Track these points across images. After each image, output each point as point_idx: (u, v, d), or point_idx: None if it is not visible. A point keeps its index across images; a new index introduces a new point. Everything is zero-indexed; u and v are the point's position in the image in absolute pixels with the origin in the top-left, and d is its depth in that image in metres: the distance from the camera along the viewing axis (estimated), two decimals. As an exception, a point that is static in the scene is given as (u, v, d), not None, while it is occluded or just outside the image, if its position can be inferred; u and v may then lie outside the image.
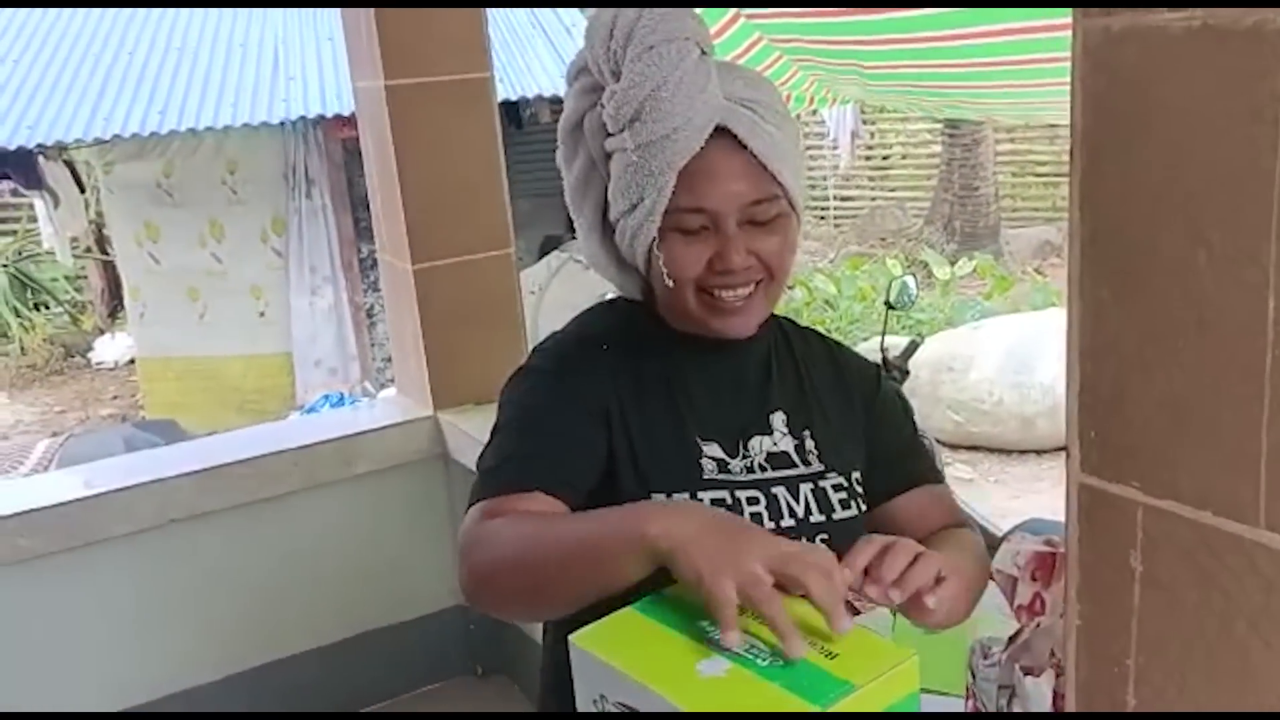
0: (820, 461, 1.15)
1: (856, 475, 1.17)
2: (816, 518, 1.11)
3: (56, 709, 2.07)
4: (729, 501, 1.08)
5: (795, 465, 1.14)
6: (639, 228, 1.08)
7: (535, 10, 7.64)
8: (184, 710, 2.18)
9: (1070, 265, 0.72)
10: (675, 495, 1.07)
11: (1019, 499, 5.00)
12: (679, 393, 1.14)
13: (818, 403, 1.19)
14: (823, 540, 1.08)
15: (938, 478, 1.27)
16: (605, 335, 1.18)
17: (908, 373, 2.79)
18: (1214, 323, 0.63)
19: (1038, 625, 1.30)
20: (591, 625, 0.83)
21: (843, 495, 1.14)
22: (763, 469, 1.13)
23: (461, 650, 2.43)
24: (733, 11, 2.35)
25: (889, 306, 2.69)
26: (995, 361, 5.56)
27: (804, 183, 1.15)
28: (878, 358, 2.72)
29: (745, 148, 1.05)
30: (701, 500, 1.08)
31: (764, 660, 0.77)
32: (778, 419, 1.16)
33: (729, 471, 1.11)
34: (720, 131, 1.04)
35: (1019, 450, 5.58)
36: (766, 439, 1.14)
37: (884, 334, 2.63)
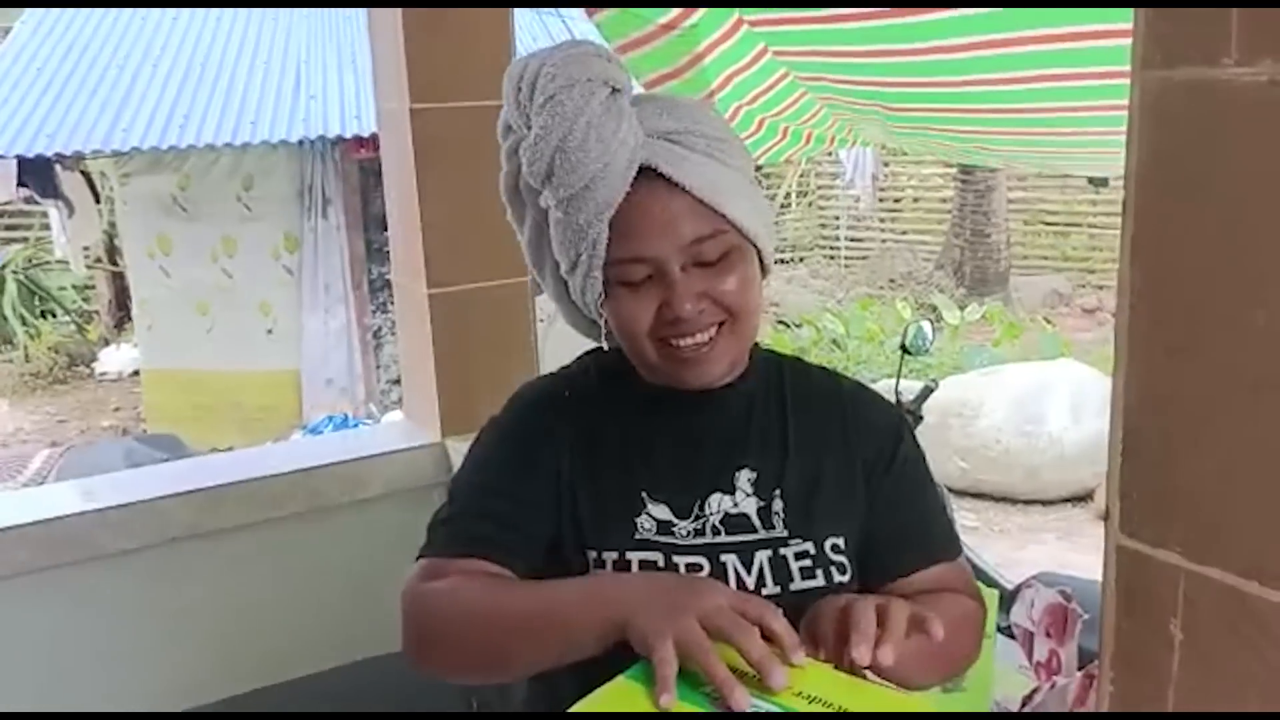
0: (785, 526, 1.05)
1: (835, 542, 1.05)
2: (769, 589, 1.02)
3: (44, 725, 2.04)
4: (661, 565, 1.01)
5: (754, 530, 1.04)
6: (583, 285, 1.01)
7: (556, 36, 7.69)
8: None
9: (1119, 320, 0.70)
10: (605, 554, 1.02)
11: (1023, 549, 4.97)
12: (636, 447, 1.07)
13: (803, 458, 1.08)
14: None
15: (955, 553, 1.14)
16: (574, 384, 1.13)
17: (921, 418, 2.76)
18: (1270, 386, 0.61)
19: (1052, 685, 1.27)
20: (589, 698, 0.80)
21: (805, 564, 1.04)
22: (715, 531, 1.04)
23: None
24: (760, 46, 2.36)
25: (904, 351, 2.67)
26: (1004, 409, 5.54)
27: (764, 211, 1.05)
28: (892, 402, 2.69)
29: (676, 184, 0.97)
30: (629, 561, 1.02)
31: None
32: (744, 477, 1.06)
33: (671, 534, 1.03)
34: (646, 171, 0.97)
35: (1024, 500, 5.54)
36: (727, 499, 1.05)
37: (898, 378, 2.61)
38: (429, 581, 1.01)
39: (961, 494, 5.45)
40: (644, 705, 0.78)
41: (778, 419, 1.10)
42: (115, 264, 9.49)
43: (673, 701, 0.77)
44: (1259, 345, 0.61)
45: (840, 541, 1.06)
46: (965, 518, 5.18)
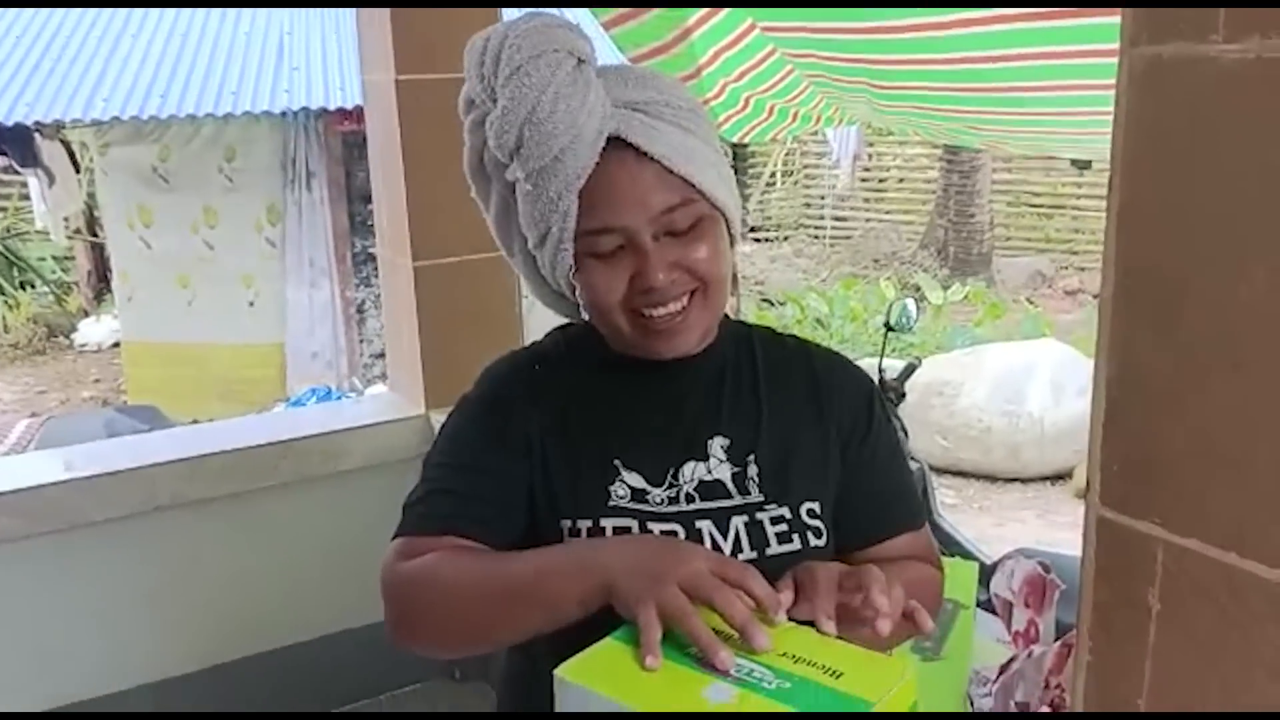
0: (761, 491, 1.05)
1: (810, 507, 1.06)
2: (746, 554, 1.03)
3: (26, 691, 2.04)
4: (635, 532, 1.02)
5: (729, 495, 1.05)
6: (553, 257, 1.01)
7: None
8: (156, 703, 2.15)
9: (1103, 292, 0.70)
10: (580, 523, 1.02)
11: (1003, 526, 5.01)
12: (608, 417, 1.08)
13: (776, 426, 1.09)
14: None
15: (920, 521, 1.16)
16: (543, 357, 1.13)
17: (904, 395, 2.78)
18: (1251, 360, 0.62)
19: (1029, 654, 1.29)
20: (576, 658, 0.81)
21: (782, 528, 1.04)
22: (689, 499, 1.04)
23: (440, 653, 2.40)
24: (748, 22, 2.35)
25: (888, 328, 2.68)
26: (985, 389, 5.58)
27: (730, 181, 1.05)
28: (875, 379, 2.70)
29: (645, 154, 0.97)
30: (604, 528, 1.02)
31: (769, 684, 0.75)
32: (716, 444, 1.06)
33: (645, 501, 1.04)
34: (615, 142, 0.97)
35: (1005, 478, 5.59)
36: (700, 466, 1.06)
37: (882, 355, 2.62)
38: (406, 560, 1.01)
39: (942, 471, 5.49)
40: (631, 665, 0.79)
41: (750, 387, 1.11)
42: (95, 235, 9.40)
43: (658, 663, 0.78)
44: (1241, 320, 0.62)
45: (815, 506, 1.07)
46: (946, 495, 5.22)
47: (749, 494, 1.06)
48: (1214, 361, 0.64)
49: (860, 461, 1.11)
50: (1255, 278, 0.61)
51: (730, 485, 1.06)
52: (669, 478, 1.05)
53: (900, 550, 1.11)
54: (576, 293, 1.04)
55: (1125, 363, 0.69)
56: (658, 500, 1.04)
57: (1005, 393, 5.55)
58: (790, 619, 0.85)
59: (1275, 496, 0.61)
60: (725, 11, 2.32)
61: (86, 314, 9.50)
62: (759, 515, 1.04)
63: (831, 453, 1.10)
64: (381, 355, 7.02)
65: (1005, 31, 1.84)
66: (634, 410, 1.08)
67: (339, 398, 5.79)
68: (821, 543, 1.06)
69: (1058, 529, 5.02)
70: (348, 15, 2.01)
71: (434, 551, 1.00)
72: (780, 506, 1.05)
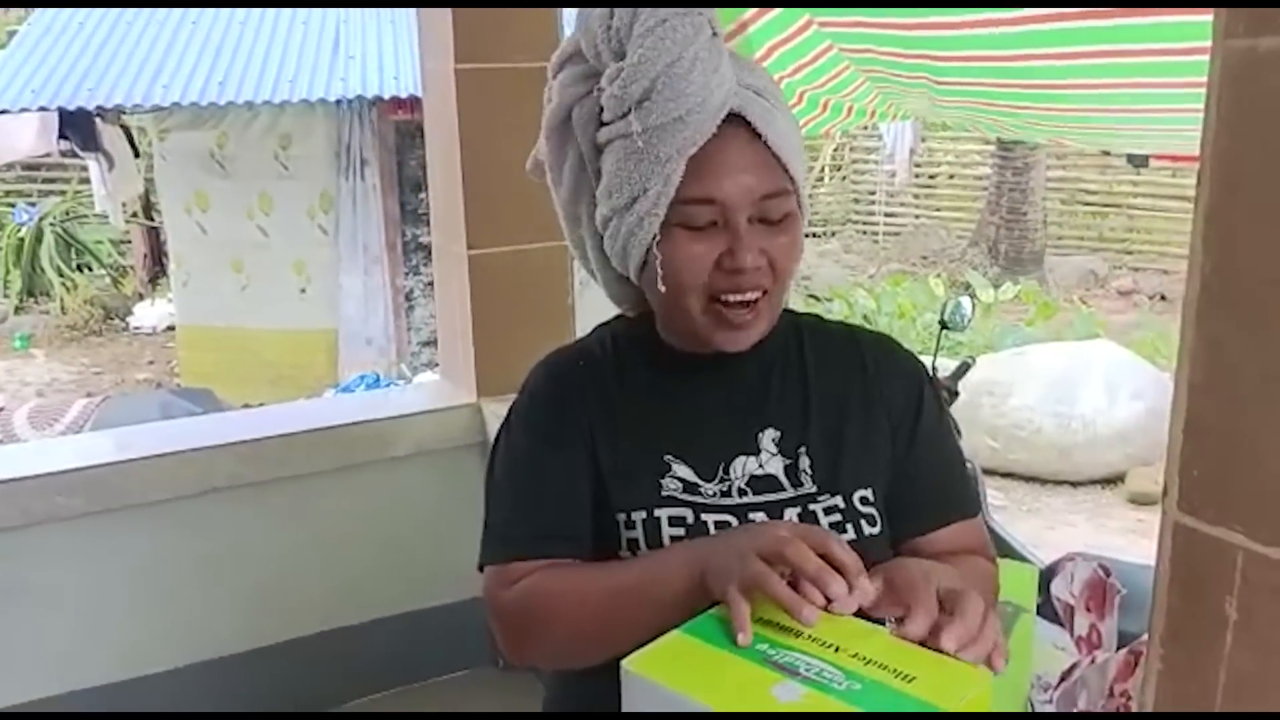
0: (814, 482, 1.05)
1: (863, 494, 1.06)
2: None
3: (78, 668, 2.08)
4: (689, 520, 1.02)
5: (782, 488, 1.05)
6: (638, 224, 0.99)
7: None
8: (205, 682, 2.18)
9: (1188, 294, 0.68)
10: (634, 514, 1.03)
11: (1053, 530, 4.94)
12: (658, 411, 1.07)
13: (826, 416, 1.08)
14: None
15: (974, 510, 1.15)
16: (590, 352, 1.12)
17: (958, 394, 2.74)
18: (1344, 366, 0.60)
19: (1093, 660, 1.27)
20: (644, 650, 0.80)
21: (836, 518, 1.04)
22: (742, 493, 1.04)
23: (484, 641, 2.42)
24: (805, 18, 2.32)
25: (943, 326, 2.64)
26: (1036, 389, 5.48)
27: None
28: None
29: (759, 137, 0.97)
30: (659, 518, 1.02)
31: (839, 684, 0.74)
32: (767, 438, 1.06)
33: (698, 494, 1.04)
34: (732, 118, 0.97)
35: (1054, 480, 5.50)
36: (751, 460, 1.06)
37: (936, 353, 2.58)
38: (508, 588, 1.03)
39: (991, 473, 5.42)
40: (700, 659, 0.79)
41: (798, 377, 1.10)
42: (151, 219, 9.57)
43: (749, 639, 0.79)
44: (1334, 324, 0.60)
45: (869, 494, 1.06)
46: (994, 497, 5.15)
47: (801, 485, 1.05)
48: (1304, 365, 0.62)
49: (912, 447, 1.10)
50: (1352, 279, 0.59)
51: (783, 478, 1.06)
52: (720, 472, 1.05)
53: (953, 540, 1.10)
54: (644, 272, 1.03)
55: (1211, 365, 0.68)
56: (710, 494, 1.04)
57: (1057, 393, 5.45)
58: (873, 617, 0.84)
59: (1364, 506, 0.59)
60: (783, 8, 2.30)
61: (141, 297, 9.67)
62: (812, 506, 1.04)
63: (882, 439, 1.09)
64: (429, 343, 7.07)
65: (1071, 29, 1.80)
66: (683, 405, 1.08)
67: (388, 384, 5.84)
68: (876, 530, 1.05)
69: (1109, 534, 4.93)
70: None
71: (531, 575, 1.02)
72: (833, 496, 1.05)
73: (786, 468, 1.05)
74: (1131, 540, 4.78)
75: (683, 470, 1.04)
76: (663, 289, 1.00)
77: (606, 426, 1.06)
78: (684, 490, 1.04)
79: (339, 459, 2.25)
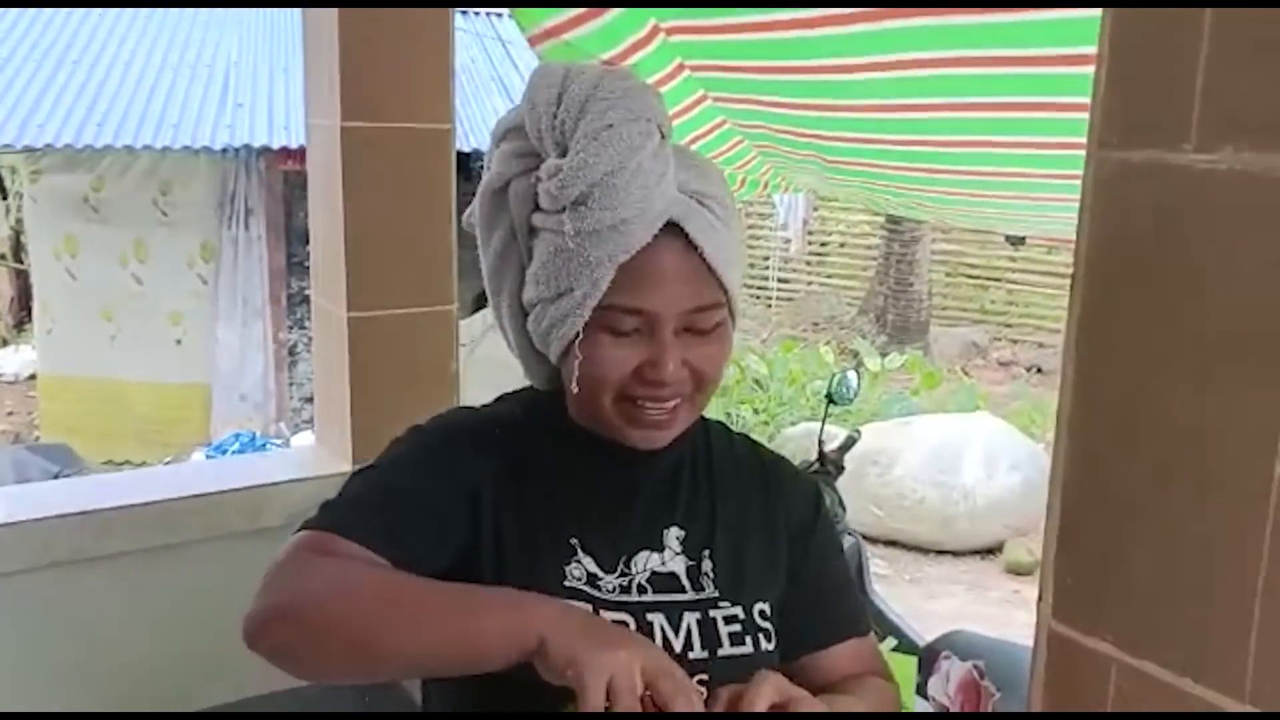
0: (715, 587, 1.02)
1: (762, 608, 1.03)
2: (697, 653, 0.98)
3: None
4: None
5: (683, 589, 1.01)
6: (562, 319, 0.95)
7: (496, 62, 7.66)
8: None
9: (1061, 400, 0.68)
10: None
11: (935, 600, 5.01)
12: (566, 495, 1.03)
13: (729, 523, 1.06)
14: (701, 681, 0.95)
15: (866, 629, 1.13)
16: (503, 421, 1.07)
17: (843, 468, 2.76)
18: (1215, 482, 0.60)
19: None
20: None
21: (735, 629, 1.01)
22: (641, 590, 1.00)
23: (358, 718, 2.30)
24: (700, 93, 2.35)
25: (829, 400, 2.67)
26: (920, 459, 5.61)
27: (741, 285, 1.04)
28: (813, 448, 2.69)
29: (695, 248, 0.94)
30: None
31: None
32: (672, 535, 1.03)
33: (597, 587, 0.99)
34: (670, 227, 0.93)
35: (936, 550, 5.61)
36: (655, 556, 1.02)
37: (823, 427, 2.60)
38: (310, 555, 0.91)
39: (874, 541, 5.49)
40: None
41: (705, 482, 1.09)
42: (20, 261, 9.14)
43: None
44: (1205, 439, 0.59)
45: (766, 608, 1.04)
46: (878, 565, 5.22)
47: (703, 590, 1.02)
48: (1175, 481, 0.61)
49: (805, 565, 1.09)
50: (1222, 393, 0.59)
51: (684, 579, 1.02)
52: (621, 565, 1.01)
53: (846, 657, 1.08)
54: (563, 360, 0.99)
55: (1083, 475, 0.67)
56: (609, 588, 0.99)
57: (940, 464, 5.59)
58: None
59: (1232, 623, 0.58)
60: (679, 79, 2.33)
61: (5, 343, 9.21)
62: (712, 613, 1.01)
63: (780, 556, 1.08)
64: (312, 399, 6.86)
65: (959, 120, 1.86)
66: (592, 491, 1.03)
67: (264, 444, 5.62)
68: (771, 646, 1.02)
69: (987, 604, 5.03)
70: (297, 52, 1.97)
71: (352, 557, 0.91)
72: (734, 606, 1.02)
73: (689, 569, 1.02)
74: (1007, 611, 4.89)
75: (587, 561, 1.00)
76: (576, 390, 0.97)
77: (512, 497, 1.01)
78: (585, 582, 0.99)
79: (202, 529, 2.12)
